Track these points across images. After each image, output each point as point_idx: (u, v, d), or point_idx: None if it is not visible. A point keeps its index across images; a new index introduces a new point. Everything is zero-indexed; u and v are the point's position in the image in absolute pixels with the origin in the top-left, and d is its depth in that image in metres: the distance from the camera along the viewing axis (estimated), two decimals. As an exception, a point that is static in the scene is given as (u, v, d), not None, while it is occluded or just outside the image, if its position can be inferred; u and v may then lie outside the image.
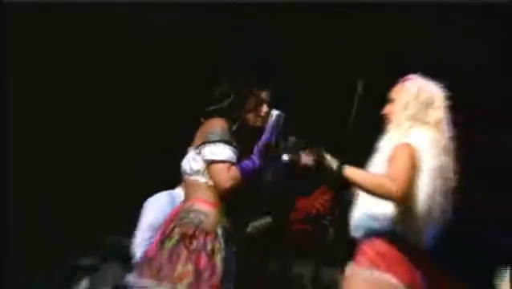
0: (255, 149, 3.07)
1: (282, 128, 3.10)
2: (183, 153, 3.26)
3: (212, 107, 3.15)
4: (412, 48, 5.31)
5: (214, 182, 3.01)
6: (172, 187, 3.87)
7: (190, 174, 3.11)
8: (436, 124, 2.81)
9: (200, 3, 5.49)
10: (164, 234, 3.03)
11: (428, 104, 2.84)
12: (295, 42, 5.61)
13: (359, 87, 2.87)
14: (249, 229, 3.74)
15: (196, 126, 3.28)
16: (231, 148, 3.04)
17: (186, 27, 5.68)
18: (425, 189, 2.69)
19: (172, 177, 3.62)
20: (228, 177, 2.97)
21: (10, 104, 5.27)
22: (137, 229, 3.70)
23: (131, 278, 3.05)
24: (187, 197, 3.14)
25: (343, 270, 2.83)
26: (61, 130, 5.77)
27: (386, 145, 2.83)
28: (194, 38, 5.78)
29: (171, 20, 5.59)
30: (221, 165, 2.97)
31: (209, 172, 3.02)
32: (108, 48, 5.72)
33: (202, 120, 3.19)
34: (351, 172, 2.70)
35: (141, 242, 3.62)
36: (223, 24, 5.65)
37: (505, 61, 5.20)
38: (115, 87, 5.90)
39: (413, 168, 2.65)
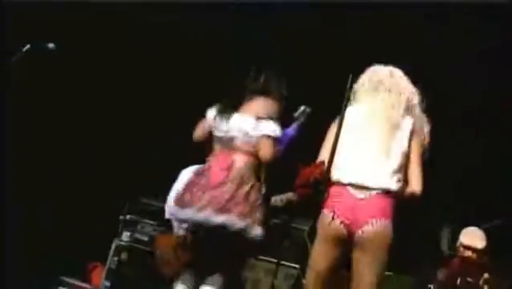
0: (286, 132, 3.95)
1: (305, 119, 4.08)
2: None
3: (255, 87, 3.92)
4: (412, 48, 5.31)
5: (262, 152, 3.76)
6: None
7: (238, 135, 3.78)
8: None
9: (200, 3, 5.50)
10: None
11: None
12: (295, 42, 5.61)
13: (349, 82, 3.47)
14: (272, 202, 4.53)
15: (194, 123, 3.87)
16: (279, 127, 3.81)
17: (186, 27, 5.69)
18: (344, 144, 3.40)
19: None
20: (273, 151, 3.76)
21: (10, 104, 5.27)
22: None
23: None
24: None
25: None
26: (61, 129, 5.79)
27: None
28: (194, 38, 5.78)
29: (171, 20, 5.60)
30: (272, 141, 3.75)
31: (260, 142, 3.74)
32: (108, 48, 5.73)
33: (254, 95, 3.89)
34: None
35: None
36: (223, 24, 5.65)
37: (505, 61, 5.21)
38: (115, 87, 5.90)
39: (330, 134, 3.44)
